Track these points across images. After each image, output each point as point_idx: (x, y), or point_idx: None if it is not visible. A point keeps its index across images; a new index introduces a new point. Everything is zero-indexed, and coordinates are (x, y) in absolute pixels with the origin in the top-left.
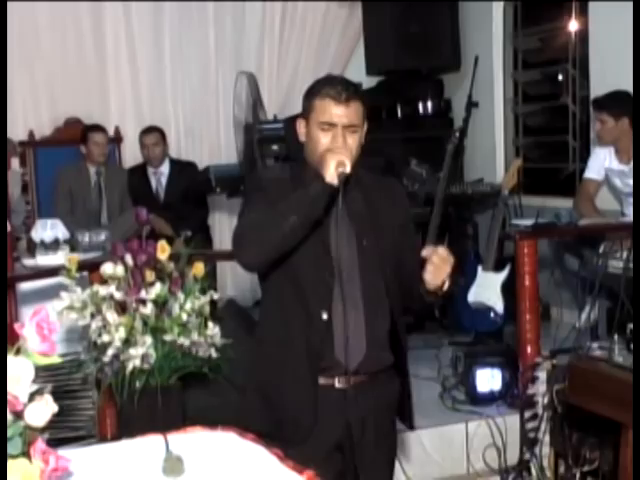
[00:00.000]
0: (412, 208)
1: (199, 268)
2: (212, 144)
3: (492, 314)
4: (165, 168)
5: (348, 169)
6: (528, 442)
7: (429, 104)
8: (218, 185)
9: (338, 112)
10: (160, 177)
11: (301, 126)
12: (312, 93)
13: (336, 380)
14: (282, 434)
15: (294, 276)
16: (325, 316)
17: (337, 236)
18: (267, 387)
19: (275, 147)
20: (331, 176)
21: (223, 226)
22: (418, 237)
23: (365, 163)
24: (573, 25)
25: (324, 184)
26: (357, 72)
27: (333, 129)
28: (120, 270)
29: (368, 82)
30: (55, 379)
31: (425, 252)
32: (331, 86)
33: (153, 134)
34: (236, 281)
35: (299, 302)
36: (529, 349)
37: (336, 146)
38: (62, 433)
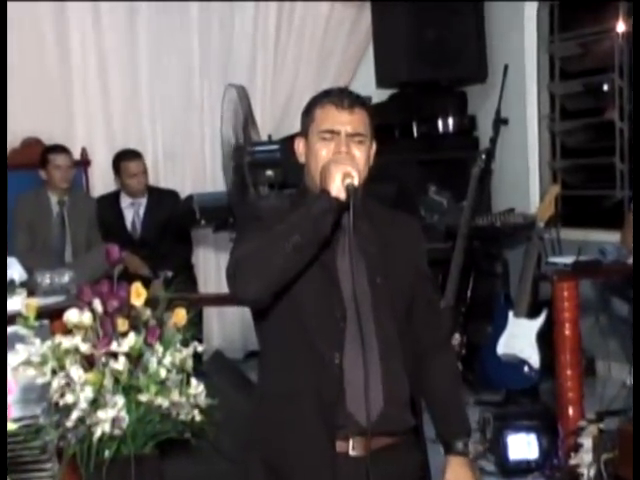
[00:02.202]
0: (431, 243)
1: (181, 315)
2: (196, 169)
3: (526, 368)
4: (143, 198)
5: (356, 181)
6: None
7: (450, 121)
8: (203, 217)
9: (341, 119)
10: (138, 208)
11: (300, 145)
12: (311, 105)
13: (350, 445)
14: None
15: (298, 314)
16: (337, 361)
17: (347, 264)
18: (271, 454)
19: (270, 172)
20: (337, 189)
21: (209, 265)
22: (436, 282)
23: (374, 190)
24: (620, 27)
25: (330, 198)
26: (366, 84)
27: (335, 138)
28: (87, 318)
29: (379, 96)
30: (8, 449)
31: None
32: (332, 94)
33: (140, 160)
34: (224, 330)
35: (306, 345)
36: (571, 411)
37: (340, 156)
38: None
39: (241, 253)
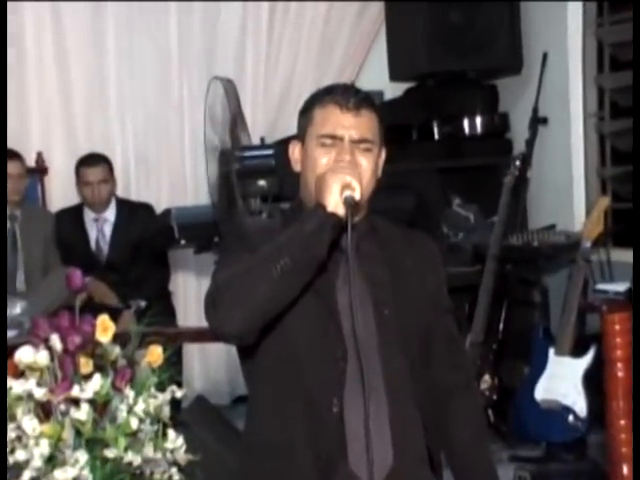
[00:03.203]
0: (455, 266)
1: (156, 354)
2: (174, 178)
3: (570, 418)
4: (110, 213)
5: (358, 194)
6: None
7: (478, 120)
8: (182, 236)
9: (344, 122)
10: (103, 225)
11: (295, 151)
12: (310, 103)
13: None
14: None
15: (290, 352)
16: (336, 408)
17: (348, 296)
18: None
19: (262, 182)
20: (335, 203)
21: (190, 293)
22: (460, 314)
23: (387, 204)
24: None
25: (326, 214)
26: (376, 77)
27: (338, 144)
28: (43, 357)
29: (392, 91)
30: None
31: None
32: (335, 92)
33: (99, 166)
34: (208, 371)
35: (300, 389)
36: (625, 469)
37: (340, 164)
38: None
39: (222, 278)
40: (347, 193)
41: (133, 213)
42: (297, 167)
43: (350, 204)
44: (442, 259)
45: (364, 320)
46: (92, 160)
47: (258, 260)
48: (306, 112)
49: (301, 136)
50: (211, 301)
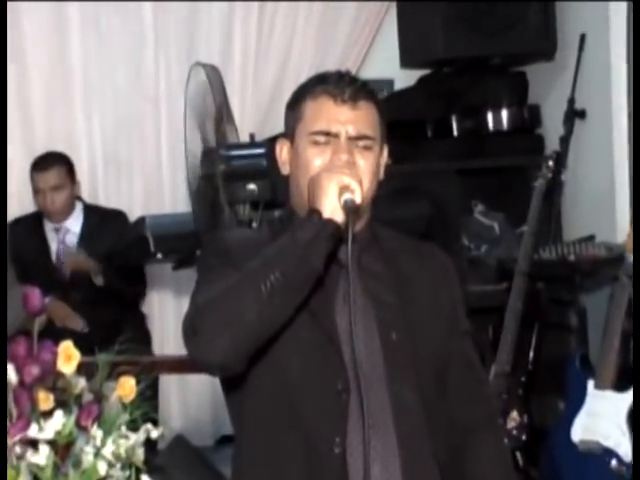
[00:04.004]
0: (477, 284)
1: (128, 387)
2: (149, 181)
3: (613, 462)
4: (74, 222)
5: (358, 197)
6: None
7: (504, 114)
8: (159, 248)
9: (340, 116)
10: (65, 236)
11: (283, 151)
12: (299, 95)
13: None
14: None
15: (284, 384)
16: (338, 449)
17: (350, 318)
18: None
19: (252, 186)
20: (332, 208)
21: (167, 315)
22: (483, 339)
23: (398, 211)
24: None
25: (321, 221)
26: (385, 64)
27: (333, 142)
28: None
29: (404, 79)
30: None
31: None
32: (328, 81)
33: (51, 171)
34: (188, 406)
35: (295, 426)
36: None
37: (337, 164)
38: None
39: (202, 299)
40: (346, 196)
41: (101, 222)
42: (285, 169)
43: (350, 209)
44: (459, 275)
45: (368, 346)
46: (43, 163)
47: (244, 276)
48: (295, 106)
49: (290, 134)
50: (190, 325)
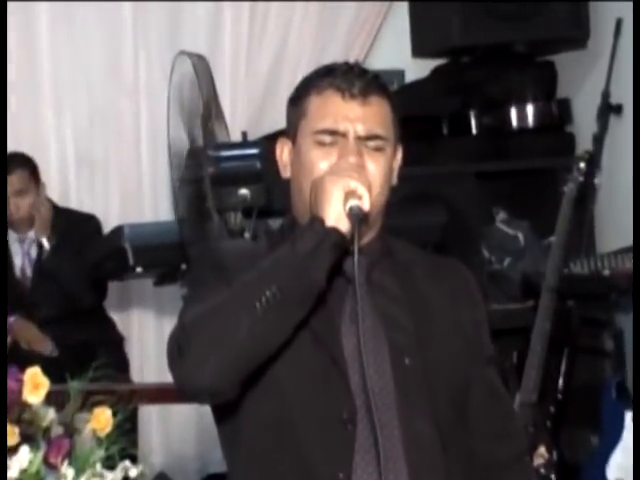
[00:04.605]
0: (499, 302)
1: (104, 419)
2: (127, 185)
3: None
4: (31, 231)
5: (366, 204)
6: None
7: (529, 109)
8: (139, 261)
9: (348, 113)
10: (30, 247)
11: (284, 152)
12: (302, 90)
13: None
14: None
15: (282, 412)
16: None
17: (357, 338)
18: None
19: (244, 191)
20: (336, 215)
21: (147, 338)
22: (506, 364)
23: (411, 219)
24: None
25: (324, 230)
26: (395, 53)
27: (340, 142)
28: None
29: (416, 70)
30: None
31: None
32: (335, 73)
33: (13, 174)
34: (170, 441)
35: (295, 460)
36: None
37: (342, 167)
38: None
39: (191, 318)
40: (353, 202)
41: (72, 230)
42: (286, 173)
43: (357, 216)
44: (482, 293)
45: (377, 371)
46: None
47: (236, 291)
48: (297, 101)
49: (292, 132)
50: (177, 346)
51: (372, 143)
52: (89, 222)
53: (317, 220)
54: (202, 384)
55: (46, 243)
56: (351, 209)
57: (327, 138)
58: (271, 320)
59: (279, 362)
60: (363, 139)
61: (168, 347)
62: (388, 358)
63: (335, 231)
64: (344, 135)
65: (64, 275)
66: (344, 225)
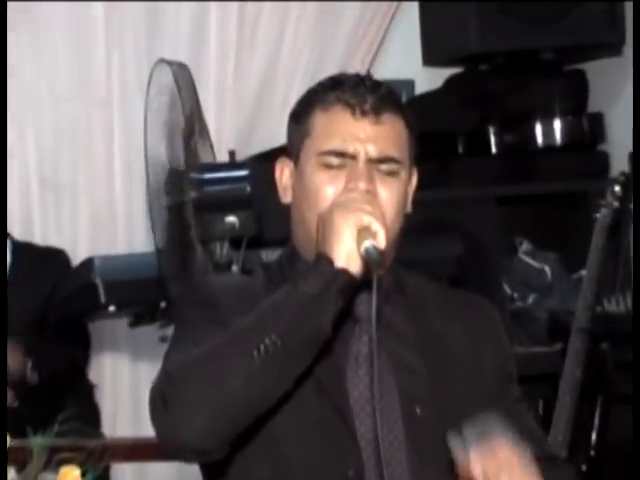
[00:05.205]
0: (523, 344)
1: (71, 478)
2: (99, 211)
3: None
4: None
5: (382, 240)
6: None
7: (557, 125)
8: (111, 299)
9: (359, 132)
10: None
11: (284, 173)
12: (306, 104)
13: None
14: None
15: (283, 471)
16: None
17: (364, 384)
18: None
19: (232, 219)
20: (347, 255)
21: (121, 386)
22: (533, 413)
23: (421, 251)
24: None
25: (332, 271)
26: (403, 60)
27: (349, 165)
28: None
29: (427, 81)
30: None
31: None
32: (343, 87)
33: None
34: None
35: None
36: None
37: (351, 196)
38: None
39: (178, 364)
40: (368, 243)
41: (36, 264)
42: (287, 197)
43: (373, 258)
44: (506, 331)
45: (387, 422)
46: None
47: (231, 337)
48: (300, 118)
49: (294, 152)
50: (160, 396)
51: (385, 166)
52: (56, 258)
53: (324, 259)
54: (188, 441)
55: None
56: (367, 251)
57: (334, 160)
58: (270, 371)
59: (277, 415)
60: (375, 162)
61: (151, 396)
62: (399, 407)
63: (345, 273)
64: (353, 157)
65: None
66: (355, 266)
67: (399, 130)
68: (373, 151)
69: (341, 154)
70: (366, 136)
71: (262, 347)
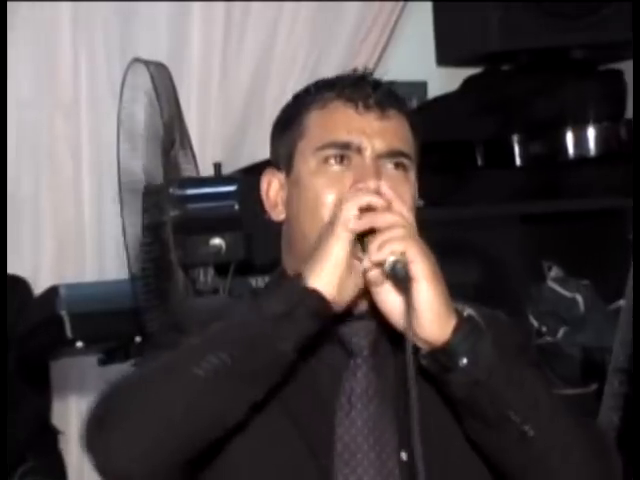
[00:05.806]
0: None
1: None
2: (64, 233)
3: None
4: None
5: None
6: None
7: (590, 134)
8: (78, 333)
9: (364, 126)
10: None
11: (272, 186)
12: (301, 105)
13: None
14: None
15: None
16: None
17: (356, 426)
18: None
19: (218, 241)
20: (332, 271)
21: None
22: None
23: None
24: None
25: (301, 289)
26: (414, 60)
27: (353, 164)
28: None
29: (442, 82)
30: None
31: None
32: (342, 84)
33: None
34: None
35: None
36: None
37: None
38: None
39: (120, 383)
40: (392, 257)
41: None
42: (278, 214)
43: (401, 276)
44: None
45: (381, 472)
46: None
47: (178, 354)
48: (290, 123)
49: (283, 162)
50: (95, 416)
51: (395, 161)
52: (15, 287)
53: (299, 276)
54: (117, 469)
55: None
56: (393, 268)
57: (337, 152)
58: (214, 394)
59: (247, 458)
60: (383, 157)
61: (87, 417)
62: (395, 450)
63: (314, 293)
64: (359, 151)
65: None
66: (347, 287)
67: (405, 130)
68: (381, 145)
69: (345, 146)
70: (372, 130)
71: (208, 366)
